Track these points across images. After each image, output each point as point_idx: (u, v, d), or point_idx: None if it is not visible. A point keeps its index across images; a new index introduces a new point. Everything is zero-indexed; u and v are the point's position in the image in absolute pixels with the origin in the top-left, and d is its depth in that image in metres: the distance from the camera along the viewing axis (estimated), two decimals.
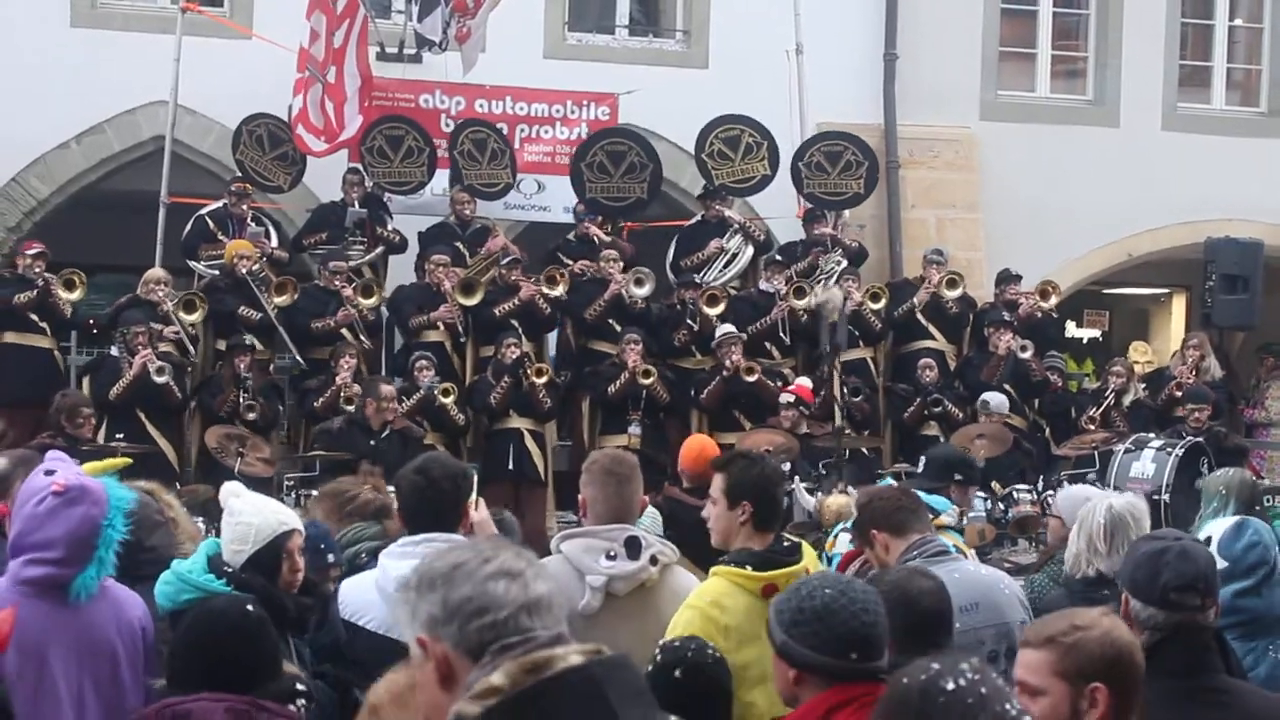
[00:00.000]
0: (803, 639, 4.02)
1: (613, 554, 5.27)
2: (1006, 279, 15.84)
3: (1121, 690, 3.71)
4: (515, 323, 14.36)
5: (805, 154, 15.80)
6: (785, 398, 13.82)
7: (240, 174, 15.04)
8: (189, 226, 14.84)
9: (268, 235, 14.97)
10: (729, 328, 14.42)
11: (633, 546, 5.33)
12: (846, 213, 16.26)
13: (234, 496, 5.34)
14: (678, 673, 4.38)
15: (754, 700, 4.96)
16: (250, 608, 4.44)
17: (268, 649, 4.34)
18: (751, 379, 14.08)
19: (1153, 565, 4.48)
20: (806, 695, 4.06)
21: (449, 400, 13.70)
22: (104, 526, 4.65)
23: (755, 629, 4.98)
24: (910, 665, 3.08)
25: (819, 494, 11.36)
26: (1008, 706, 2.91)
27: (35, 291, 13.51)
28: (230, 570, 5.03)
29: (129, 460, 6.45)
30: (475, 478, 5.82)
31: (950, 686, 2.92)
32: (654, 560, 5.38)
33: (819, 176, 15.80)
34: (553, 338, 15.49)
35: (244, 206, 14.86)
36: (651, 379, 14.06)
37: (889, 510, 5.69)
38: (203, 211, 14.92)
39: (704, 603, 5.10)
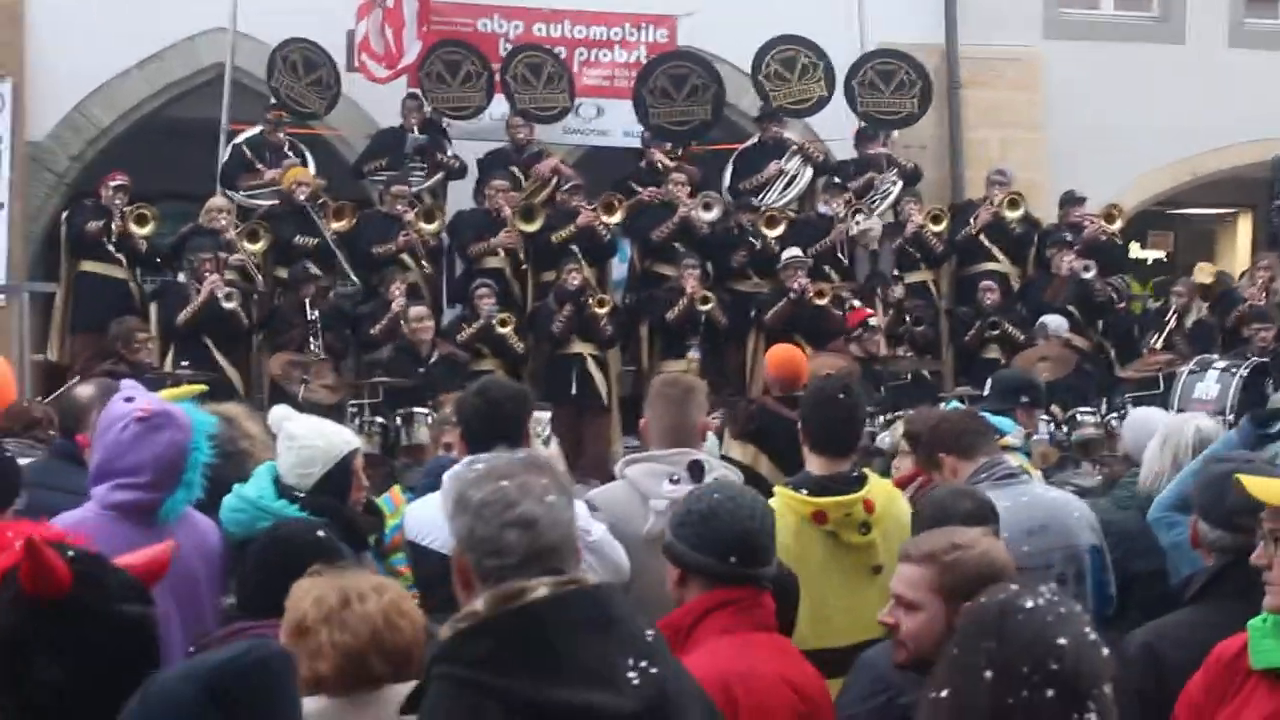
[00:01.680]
0: (686, 539, 4.10)
1: (676, 478, 5.27)
2: (1070, 201, 15.67)
3: None
4: (575, 249, 14.37)
5: (858, 72, 15.62)
6: (875, 321, 13.78)
7: (275, 101, 15.03)
8: (226, 156, 14.90)
9: (304, 164, 14.96)
10: (795, 251, 14.35)
11: (696, 470, 5.32)
12: (895, 132, 16.11)
13: (287, 420, 5.34)
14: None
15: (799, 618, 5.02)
16: (321, 533, 4.46)
17: None
18: (823, 302, 14.03)
19: (1219, 487, 4.46)
20: (690, 596, 4.11)
21: (508, 330, 13.72)
22: (190, 450, 4.69)
23: (803, 552, 5.14)
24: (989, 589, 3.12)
25: (882, 418, 11.39)
26: (1086, 629, 2.92)
27: (102, 223, 13.60)
28: (301, 494, 5.06)
29: (205, 386, 6.45)
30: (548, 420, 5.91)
31: (1029, 604, 2.94)
32: None
33: (873, 95, 15.63)
34: (617, 264, 15.49)
35: (280, 134, 14.89)
36: (710, 305, 14.04)
37: (956, 433, 5.67)
38: (238, 140, 14.96)
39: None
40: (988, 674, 2.87)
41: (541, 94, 15.40)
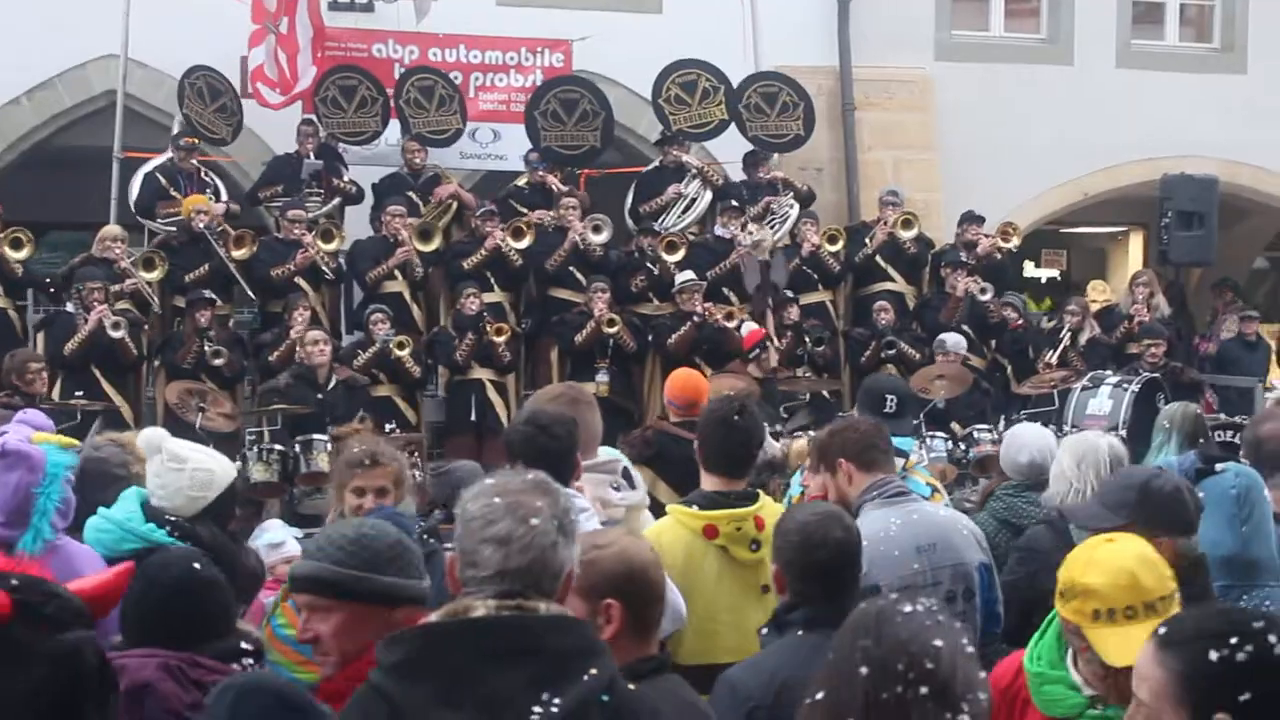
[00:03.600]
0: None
1: (616, 485, 5.36)
2: (969, 219, 15.84)
3: (635, 605, 3.89)
4: (489, 274, 14.36)
5: (743, 95, 15.77)
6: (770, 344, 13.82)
7: (188, 129, 14.91)
8: (139, 185, 14.69)
9: (216, 191, 14.84)
10: (689, 274, 14.43)
11: (628, 476, 5.55)
12: (776, 156, 16.21)
13: (167, 441, 5.22)
14: None
15: (683, 632, 5.14)
16: (198, 564, 4.40)
17: (212, 606, 4.27)
18: (731, 324, 14.10)
19: None
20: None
21: (404, 353, 13.66)
22: (37, 494, 4.64)
23: (693, 567, 5.29)
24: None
25: (783, 439, 11.42)
26: (964, 641, 2.91)
27: None
28: (174, 519, 4.98)
29: (77, 442, 6.33)
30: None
31: (908, 609, 2.93)
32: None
33: (759, 119, 15.81)
34: None
35: (193, 161, 14.75)
36: (616, 328, 14.06)
37: (862, 445, 5.64)
38: (149, 169, 14.79)
39: (650, 534, 5.31)
40: (863, 670, 2.86)
41: (434, 117, 15.42)
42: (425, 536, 5.53)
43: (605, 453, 5.88)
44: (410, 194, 15.09)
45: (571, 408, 5.56)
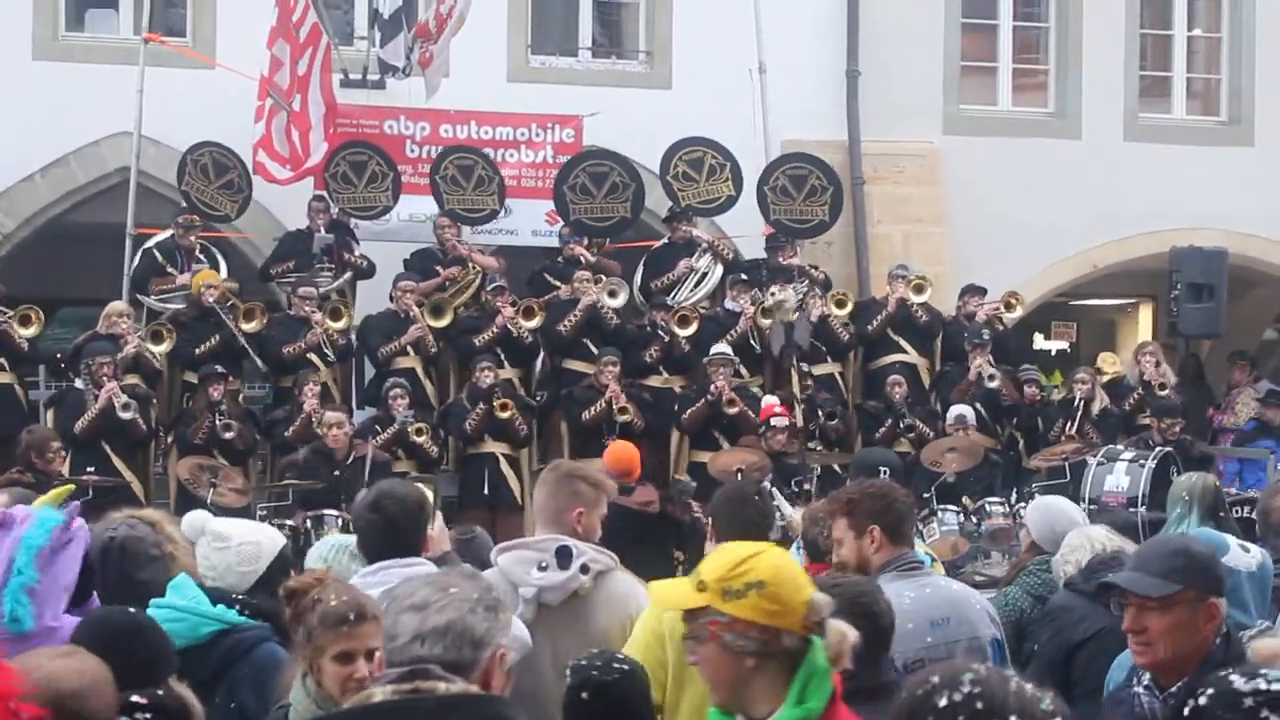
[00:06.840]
0: None
1: (544, 565, 5.26)
2: (970, 291, 15.78)
3: None
4: (500, 351, 14.38)
5: (770, 178, 15.76)
6: (779, 421, 13.70)
7: (186, 205, 14.95)
8: (137, 261, 14.76)
9: (216, 266, 14.87)
10: (724, 349, 14.40)
11: (563, 556, 5.31)
12: (806, 241, 16.21)
13: (210, 522, 5.34)
14: (584, 694, 4.31)
15: (685, 697, 5.06)
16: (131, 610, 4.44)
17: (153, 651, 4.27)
18: (733, 411, 14.05)
19: None
20: None
21: (422, 440, 13.69)
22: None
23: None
24: (919, 675, 2.74)
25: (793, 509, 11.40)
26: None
27: None
28: (239, 597, 5.05)
29: (71, 486, 6.38)
30: (433, 496, 5.83)
31: (942, 703, 2.62)
32: (585, 569, 5.35)
33: (784, 202, 15.75)
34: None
35: (191, 238, 14.78)
36: (629, 416, 14.04)
37: (899, 517, 5.59)
38: (149, 245, 14.83)
39: (651, 607, 5.26)
40: None
41: (470, 195, 15.43)
42: None
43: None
44: (438, 269, 15.18)
45: (537, 486, 5.62)
